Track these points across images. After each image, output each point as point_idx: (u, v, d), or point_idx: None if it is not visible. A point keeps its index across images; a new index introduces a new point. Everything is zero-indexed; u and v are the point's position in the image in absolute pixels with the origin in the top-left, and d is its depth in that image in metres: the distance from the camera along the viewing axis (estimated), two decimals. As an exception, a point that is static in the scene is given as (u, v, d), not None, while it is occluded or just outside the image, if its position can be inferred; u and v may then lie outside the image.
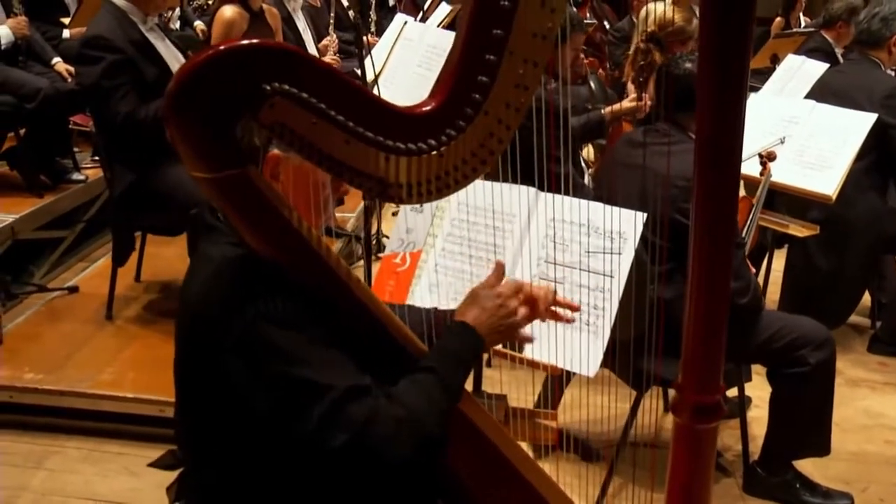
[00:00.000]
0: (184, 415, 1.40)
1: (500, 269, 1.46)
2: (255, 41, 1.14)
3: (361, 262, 3.73)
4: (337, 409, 1.19)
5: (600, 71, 4.75)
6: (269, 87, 1.12)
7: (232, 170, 1.17)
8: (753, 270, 2.51)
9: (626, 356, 1.99)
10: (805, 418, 2.48)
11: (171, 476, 1.53)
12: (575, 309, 1.56)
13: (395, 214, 4.48)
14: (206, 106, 1.12)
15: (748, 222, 2.70)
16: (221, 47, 1.13)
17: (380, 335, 1.32)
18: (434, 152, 1.23)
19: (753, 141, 2.99)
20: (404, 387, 1.27)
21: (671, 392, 1.26)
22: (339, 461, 1.21)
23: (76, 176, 4.29)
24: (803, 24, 6.53)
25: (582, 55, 3.92)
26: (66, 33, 4.59)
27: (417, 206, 2.13)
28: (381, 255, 3.74)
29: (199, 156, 1.16)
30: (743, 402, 2.68)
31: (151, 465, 1.64)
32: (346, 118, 1.16)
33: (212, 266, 1.29)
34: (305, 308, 1.24)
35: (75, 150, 4.51)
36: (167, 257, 3.78)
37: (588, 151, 4.16)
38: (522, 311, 1.42)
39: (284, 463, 1.28)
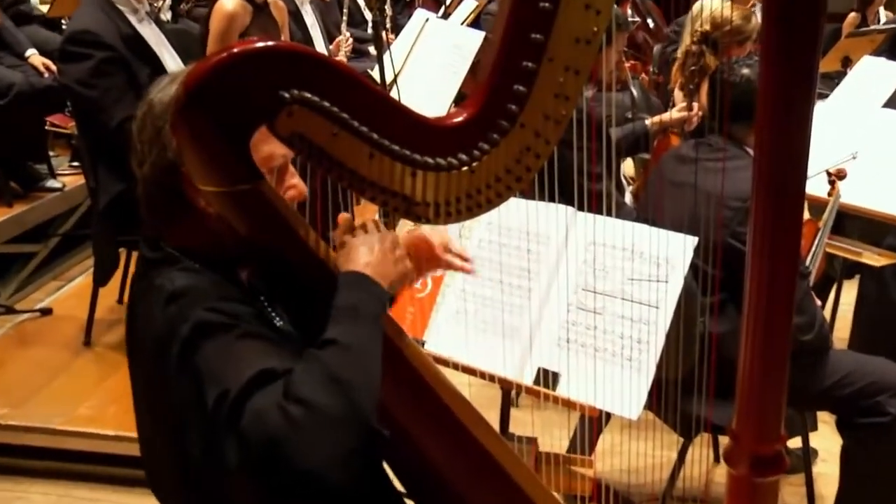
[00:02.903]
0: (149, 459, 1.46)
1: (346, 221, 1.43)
2: (270, 43, 1.20)
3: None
4: (237, 407, 1.16)
5: (643, 76, 4.80)
6: (287, 95, 1.19)
7: (245, 184, 1.24)
8: (819, 304, 2.53)
9: (672, 397, 2.01)
10: (882, 477, 2.46)
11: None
12: (466, 260, 1.61)
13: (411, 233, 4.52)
14: (220, 115, 1.19)
15: (813, 249, 2.73)
16: (235, 49, 1.19)
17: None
18: (465, 168, 1.29)
19: (820, 156, 3.02)
20: (299, 374, 1.18)
21: (723, 440, 1.29)
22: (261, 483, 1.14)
23: (51, 183, 4.37)
24: (883, 19, 6.51)
25: (623, 58, 3.98)
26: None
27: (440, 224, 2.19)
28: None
29: (210, 168, 1.23)
30: (808, 455, 2.69)
31: None
32: (371, 129, 1.23)
33: (160, 295, 1.31)
34: (255, 314, 1.28)
35: (51, 154, 4.60)
36: (154, 277, 3.86)
37: (628, 167, 4.21)
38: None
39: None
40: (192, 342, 1.24)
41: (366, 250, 1.33)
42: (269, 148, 1.30)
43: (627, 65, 4.29)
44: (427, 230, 1.60)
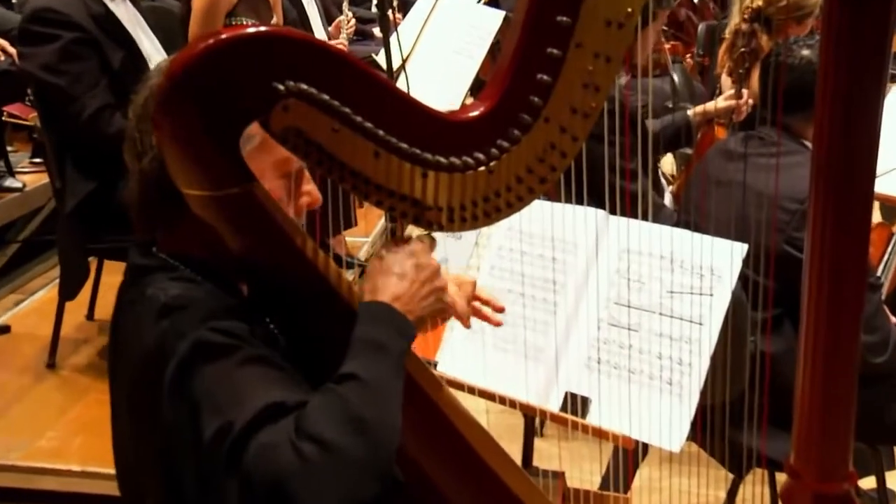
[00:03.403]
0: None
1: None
2: (264, 28, 1.23)
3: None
4: (242, 441, 1.18)
5: (686, 59, 4.81)
6: (282, 87, 1.21)
7: (234, 188, 1.27)
8: (894, 321, 2.53)
9: (720, 427, 2.02)
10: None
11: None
12: (499, 310, 1.64)
13: (422, 241, 4.54)
14: (207, 109, 1.22)
15: (886, 257, 2.72)
16: (224, 35, 1.22)
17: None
18: (482, 168, 1.32)
19: (892, 150, 3.01)
20: (315, 410, 1.21)
21: (781, 477, 1.30)
22: None
23: (10, 182, 4.43)
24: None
25: (662, 39, 3.99)
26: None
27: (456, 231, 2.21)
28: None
29: (194, 169, 1.26)
30: (885, 497, 2.68)
31: None
32: (376, 125, 1.25)
33: (150, 307, 1.34)
34: (257, 332, 1.31)
35: (9, 149, 4.65)
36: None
37: (668, 163, 4.22)
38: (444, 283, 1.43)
39: None
40: (190, 364, 1.26)
41: (396, 280, 1.36)
42: (285, 150, 1.32)
43: (667, 46, 4.30)
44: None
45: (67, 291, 3.42)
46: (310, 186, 1.46)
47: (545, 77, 1.31)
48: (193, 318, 1.30)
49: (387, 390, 1.26)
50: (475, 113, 1.32)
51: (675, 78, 4.21)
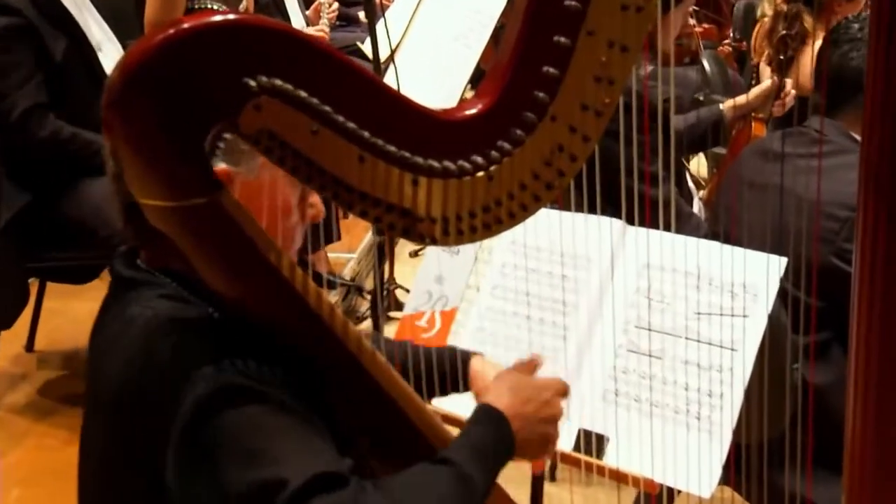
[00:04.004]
0: None
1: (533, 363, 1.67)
2: (232, 17, 1.26)
3: (366, 324, 3.82)
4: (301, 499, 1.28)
5: (723, 46, 4.81)
6: (254, 83, 1.23)
7: (199, 197, 1.29)
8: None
9: (757, 469, 2.02)
10: None
11: None
12: None
13: (414, 255, 4.60)
14: (168, 109, 1.24)
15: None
16: (186, 25, 1.24)
17: (393, 419, 1.46)
18: (481, 174, 1.35)
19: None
20: (404, 478, 1.38)
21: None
22: None
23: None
24: None
25: (692, 21, 4.01)
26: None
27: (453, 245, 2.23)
28: (394, 313, 3.82)
29: (153, 177, 1.28)
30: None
31: None
32: (361, 126, 1.28)
33: (134, 332, 1.41)
34: (280, 374, 1.36)
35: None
36: (75, 316, 3.90)
37: (698, 165, 4.22)
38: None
39: None
40: (211, 407, 1.32)
41: (521, 403, 1.53)
42: None
43: (699, 30, 4.31)
44: None
45: (3, 319, 3.43)
46: (316, 198, 1.53)
47: (552, 69, 1.33)
48: (194, 347, 1.36)
49: (480, 496, 1.41)
50: (472, 111, 1.34)
51: (707, 66, 4.20)
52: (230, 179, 1.42)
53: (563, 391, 1.63)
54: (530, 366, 1.68)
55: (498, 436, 1.48)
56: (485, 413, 1.50)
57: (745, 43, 4.77)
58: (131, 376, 1.39)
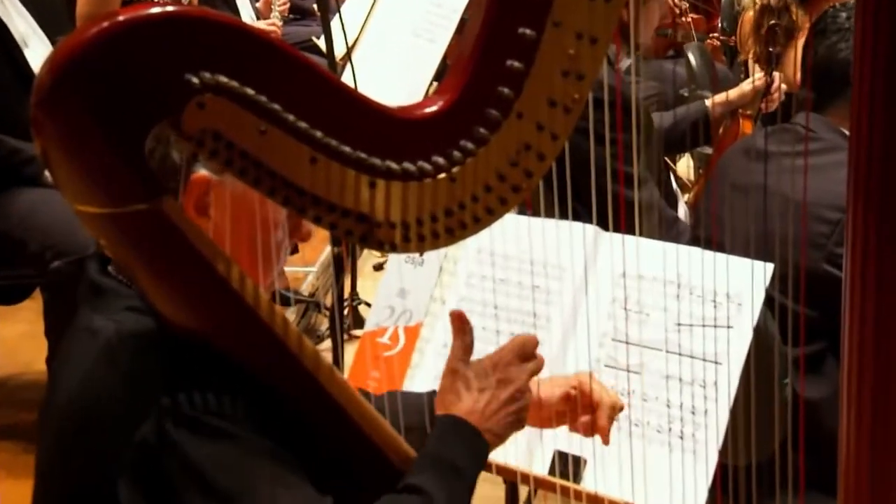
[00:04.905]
0: None
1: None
2: (171, 7, 1.26)
3: (328, 343, 3.81)
4: None
5: (712, 38, 4.81)
6: (196, 79, 1.25)
7: (140, 203, 1.30)
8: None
9: (746, 492, 2.03)
10: None
11: None
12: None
13: (378, 269, 4.59)
14: (103, 109, 1.25)
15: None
16: (121, 17, 1.25)
17: (353, 440, 1.47)
18: (443, 175, 1.37)
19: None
20: None
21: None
22: None
23: None
24: None
25: (677, 10, 4.02)
26: None
27: (416, 255, 2.25)
28: (357, 331, 3.80)
29: (89, 182, 1.29)
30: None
31: None
32: (313, 125, 1.29)
33: (96, 345, 1.43)
34: (245, 404, 1.38)
35: None
36: (7, 339, 3.91)
37: (685, 165, 4.24)
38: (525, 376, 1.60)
39: None
40: (177, 442, 1.34)
41: (474, 396, 1.55)
42: None
43: (685, 20, 4.32)
44: (597, 387, 1.78)
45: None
46: None
47: (516, 63, 1.35)
48: (154, 368, 1.39)
49: None
50: (433, 108, 1.36)
51: (692, 60, 4.20)
52: (212, 187, 1.44)
53: (520, 354, 1.61)
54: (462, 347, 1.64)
55: (464, 444, 1.51)
56: (442, 425, 1.53)
57: (733, 38, 4.77)
58: (88, 391, 1.41)
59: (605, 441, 1.77)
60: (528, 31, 1.34)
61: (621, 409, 1.79)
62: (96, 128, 1.25)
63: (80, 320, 1.50)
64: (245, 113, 1.27)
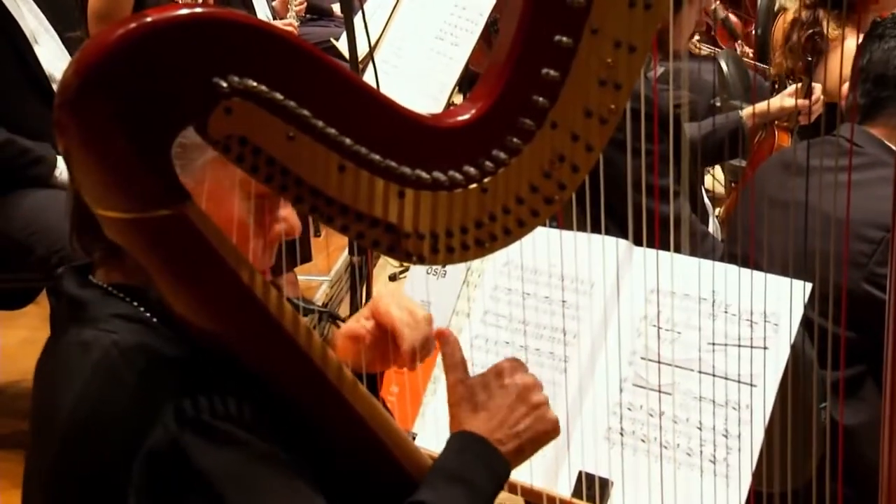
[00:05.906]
0: None
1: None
2: (199, 9, 1.28)
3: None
4: None
5: (743, 45, 4.80)
6: (224, 83, 1.26)
7: (164, 209, 1.32)
8: None
9: None
10: None
11: None
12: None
13: (393, 279, 4.60)
14: (129, 112, 1.26)
15: None
16: (148, 19, 1.26)
17: (375, 454, 1.50)
18: (473, 185, 1.39)
19: None
20: None
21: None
22: None
23: None
24: None
25: (708, 18, 4.02)
26: None
27: (438, 266, 2.27)
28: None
29: (111, 186, 1.31)
30: None
31: None
32: (342, 132, 1.31)
33: (91, 359, 1.44)
34: (257, 411, 1.40)
35: None
36: (7, 346, 3.92)
37: (715, 179, 4.23)
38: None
39: None
40: (191, 452, 1.36)
41: (489, 415, 1.55)
42: None
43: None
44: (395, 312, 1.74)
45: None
46: (286, 211, 1.53)
47: (552, 72, 1.37)
48: (162, 379, 1.41)
49: None
50: (465, 116, 1.37)
51: (725, 68, 4.19)
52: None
53: (518, 365, 1.61)
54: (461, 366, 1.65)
55: (478, 461, 1.52)
56: (453, 441, 1.55)
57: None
58: (89, 405, 1.42)
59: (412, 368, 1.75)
60: (564, 39, 1.36)
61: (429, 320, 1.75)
62: (121, 131, 1.26)
63: (67, 337, 1.50)
64: (273, 118, 1.29)
